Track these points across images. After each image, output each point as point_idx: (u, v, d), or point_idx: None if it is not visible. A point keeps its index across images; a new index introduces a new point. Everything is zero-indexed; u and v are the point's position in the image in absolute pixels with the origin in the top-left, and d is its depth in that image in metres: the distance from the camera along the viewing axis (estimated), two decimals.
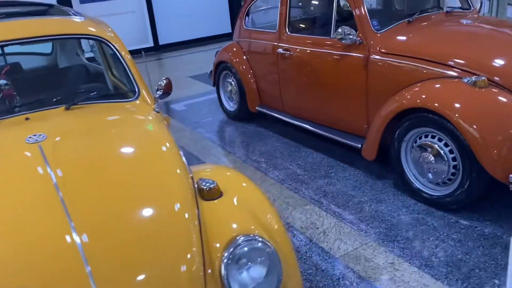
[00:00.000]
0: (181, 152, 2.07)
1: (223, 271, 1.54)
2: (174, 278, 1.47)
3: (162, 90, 2.52)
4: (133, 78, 2.35)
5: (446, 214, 2.76)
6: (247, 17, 4.51)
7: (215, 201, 1.78)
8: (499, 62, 2.72)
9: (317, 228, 2.76)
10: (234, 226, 1.71)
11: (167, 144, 1.97)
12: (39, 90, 2.32)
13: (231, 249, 1.58)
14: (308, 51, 3.64)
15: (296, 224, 2.82)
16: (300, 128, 3.96)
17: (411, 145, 2.89)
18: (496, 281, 2.19)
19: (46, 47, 3.20)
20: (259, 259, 1.61)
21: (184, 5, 9.48)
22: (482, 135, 2.42)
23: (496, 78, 2.62)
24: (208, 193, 1.77)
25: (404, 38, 3.10)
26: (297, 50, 3.75)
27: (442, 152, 2.68)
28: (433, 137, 2.73)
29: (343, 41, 3.20)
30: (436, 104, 2.60)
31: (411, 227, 2.67)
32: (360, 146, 3.26)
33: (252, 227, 1.70)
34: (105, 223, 1.50)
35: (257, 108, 4.46)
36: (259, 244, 1.63)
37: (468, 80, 2.60)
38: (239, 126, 4.69)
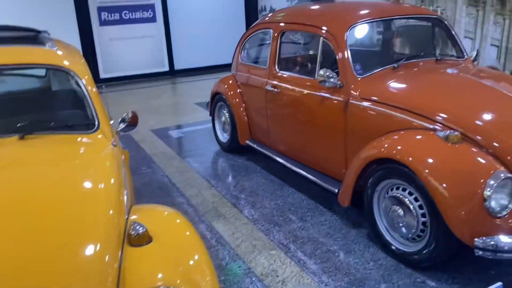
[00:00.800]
0: (126, 191, 2.05)
1: None
2: None
3: (126, 123, 2.52)
4: (95, 111, 2.35)
5: (414, 272, 2.61)
6: (243, 51, 4.53)
7: (143, 247, 1.72)
8: (477, 118, 2.60)
9: (277, 276, 2.65)
10: (158, 276, 1.65)
11: (108, 183, 1.95)
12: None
13: None
14: (293, 89, 3.61)
15: (257, 270, 2.72)
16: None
17: (383, 195, 2.77)
18: None
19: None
20: None
21: (202, 32, 9.68)
22: (449, 194, 2.30)
23: (472, 135, 2.51)
24: (135, 239, 1.72)
25: (384, 84, 3.02)
26: (284, 88, 3.72)
27: (411, 206, 2.56)
28: (404, 190, 2.62)
29: (324, 84, 3.15)
30: (405, 157, 2.50)
31: (373, 284, 2.54)
32: (336, 191, 3.16)
33: (177, 280, 1.64)
34: (11, 263, 1.47)
35: (246, 141, 4.42)
36: None
37: (442, 134, 2.49)
38: (230, 158, 4.66)
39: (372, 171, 2.78)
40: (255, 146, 4.29)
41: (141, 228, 1.75)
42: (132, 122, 2.55)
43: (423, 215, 2.51)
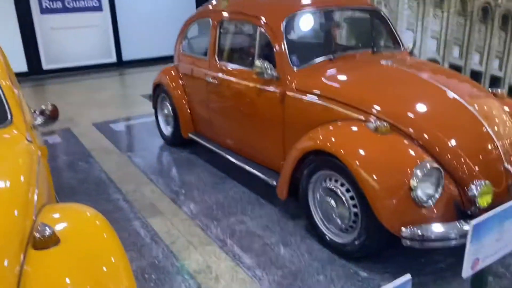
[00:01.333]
0: (37, 190, 1.90)
1: None
2: None
3: (45, 117, 2.36)
4: (7, 104, 2.18)
5: (347, 263, 2.63)
6: (184, 41, 4.41)
7: (49, 250, 1.60)
8: (408, 110, 2.63)
9: (211, 272, 2.59)
10: (65, 281, 1.54)
11: (16, 181, 1.80)
12: None
13: None
14: (233, 81, 3.54)
15: (191, 267, 2.65)
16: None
17: (318, 187, 2.77)
18: None
19: None
20: None
21: (151, 21, 9.39)
22: (378, 184, 2.31)
23: (403, 126, 2.53)
24: (39, 241, 1.60)
25: (320, 76, 3.00)
26: (224, 80, 3.64)
27: (343, 198, 2.56)
28: (336, 181, 2.62)
29: (262, 76, 3.10)
30: (335, 148, 2.49)
31: (307, 277, 2.53)
32: (275, 183, 3.13)
33: (86, 286, 1.53)
34: None
35: (189, 134, 4.32)
36: None
37: (371, 125, 2.50)
38: (173, 152, 4.54)
39: (307, 162, 2.76)
40: (198, 139, 4.20)
41: (47, 229, 1.63)
42: (53, 116, 2.39)
43: (354, 206, 2.52)
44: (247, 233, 3.00)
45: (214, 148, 3.91)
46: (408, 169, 2.30)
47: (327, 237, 2.74)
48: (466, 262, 1.50)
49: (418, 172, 2.27)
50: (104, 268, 1.64)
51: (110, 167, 4.16)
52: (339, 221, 2.63)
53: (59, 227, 1.72)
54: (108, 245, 1.77)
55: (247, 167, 3.44)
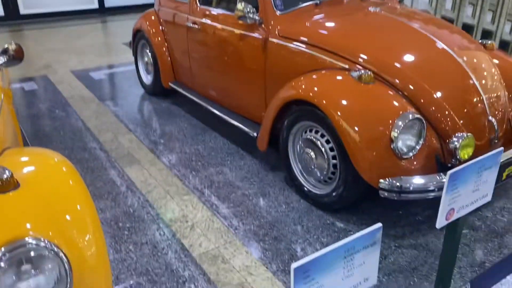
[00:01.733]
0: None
1: None
2: None
3: (9, 57, 2.20)
4: None
5: (324, 214, 2.61)
6: None
7: (7, 194, 1.52)
8: (395, 59, 2.51)
9: (187, 221, 2.55)
10: (26, 225, 1.46)
11: None
12: None
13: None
14: (214, 26, 3.36)
15: (166, 216, 2.60)
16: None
17: (298, 138, 2.69)
18: None
19: None
20: (38, 268, 1.38)
21: None
22: (358, 135, 2.24)
23: (389, 76, 2.43)
24: None
25: (304, 22, 2.86)
26: (205, 25, 3.46)
27: (323, 149, 2.50)
28: (316, 132, 2.55)
29: (243, 20, 2.94)
30: (316, 98, 2.40)
31: (283, 227, 2.50)
32: (256, 134, 3.05)
33: (48, 231, 1.45)
34: None
35: (170, 84, 4.17)
36: (44, 250, 1.38)
37: (355, 74, 2.40)
38: (153, 101, 4.40)
39: (288, 113, 2.67)
40: (178, 88, 4.05)
41: (6, 172, 1.54)
42: (17, 56, 2.23)
43: (334, 157, 2.47)
44: (226, 183, 2.95)
45: (195, 98, 3.79)
46: (390, 120, 2.22)
47: (305, 188, 2.70)
48: (441, 212, 1.46)
49: (400, 123, 2.20)
50: (68, 216, 1.56)
51: (87, 115, 4.03)
52: (318, 172, 2.58)
53: (20, 170, 1.63)
54: (74, 192, 1.68)
55: (228, 118, 3.34)
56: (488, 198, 1.70)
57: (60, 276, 1.40)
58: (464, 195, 1.51)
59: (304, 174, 2.72)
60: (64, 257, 1.41)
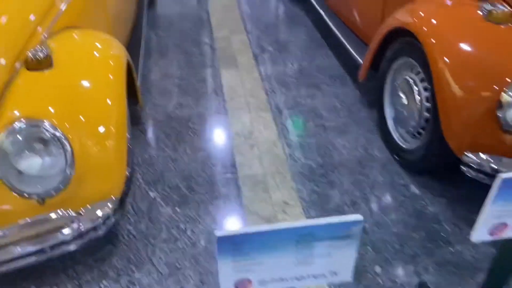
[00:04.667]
0: (63, 8, 1.83)
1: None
2: None
3: None
4: None
5: (402, 173, 2.19)
6: None
7: (38, 72, 1.57)
8: None
9: (250, 138, 2.42)
10: (40, 106, 1.47)
11: None
12: None
13: (12, 128, 1.41)
14: None
15: (234, 127, 2.50)
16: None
17: (398, 76, 2.22)
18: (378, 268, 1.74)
19: None
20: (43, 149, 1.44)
21: None
22: (456, 85, 1.71)
23: None
24: (30, 62, 1.56)
25: None
26: None
27: (417, 96, 2.01)
28: (418, 73, 2.04)
29: None
30: (416, 26, 1.88)
31: (346, 173, 2.19)
32: (361, 61, 2.62)
33: (64, 121, 1.47)
34: None
35: None
36: (57, 139, 1.42)
37: (486, 7, 1.77)
38: (284, 6, 4.11)
39: (394, 42, 2.19)
40: None
41: (42, 51, 1.58)
42: None
43: (428, 110, 1.97)
44: (310, 109, 2.67)
45: (316, 5, 3.40)
46: (508, 78, 1.62)
47: (389, 136, 2.28)
48: (481, 223, 1.03)
49: None
50: (92, 110, 1.56)
51: (215, 8, 3.98)
52: (407, 122, 2.13)
53: (65, 53, 1.67)
54: (109, 88, 1.67)
55: (338, 33, 2.94)
56: None
57: (65, 165, 1.44)
58: None
59: (395, 120, 2.28)
60: (70, 151, 1.43)
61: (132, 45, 2.77)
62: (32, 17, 1.70)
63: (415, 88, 2.03)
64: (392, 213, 1.97)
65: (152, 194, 2.05)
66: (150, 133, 2.47)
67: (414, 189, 2.10)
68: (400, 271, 1.70)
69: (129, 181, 1.86)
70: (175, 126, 2.50)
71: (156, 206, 1.99)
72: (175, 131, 2.47)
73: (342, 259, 1.00)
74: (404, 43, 2.08)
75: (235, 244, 0.92)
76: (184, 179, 2.15)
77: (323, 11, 3.32)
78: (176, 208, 1.98)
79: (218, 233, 0.90)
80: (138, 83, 2.20)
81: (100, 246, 1.79)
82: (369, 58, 2.40)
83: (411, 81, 2.05)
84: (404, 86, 2.12)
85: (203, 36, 3.54)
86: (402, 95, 2.12)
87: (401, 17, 2.06)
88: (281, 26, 3.72)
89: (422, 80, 2.00)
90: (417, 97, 2.01)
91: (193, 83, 2.92)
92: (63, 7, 1.86)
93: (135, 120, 2.49)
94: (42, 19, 1.73)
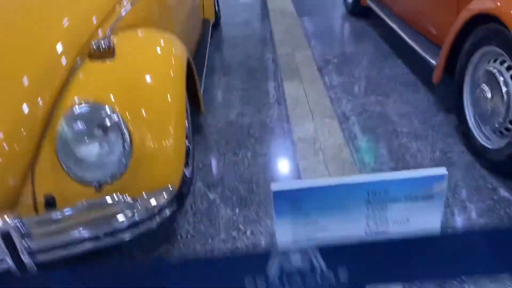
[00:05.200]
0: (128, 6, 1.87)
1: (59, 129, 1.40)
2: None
3: None
4: None
5: (488, 176, 1.93)
6: None
7: (102, 61, 1.58)
8: None
9: (314, 144, 2.28)
10: (110, 96, 1.49)
11: None
12: None
13: (72, 112, 1.41)
14: None
15: (297, 134, 2.38)
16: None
17: (478, 69, 2.00)
18: None
19: None
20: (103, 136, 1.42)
21: None
22: None
23: None
24: (93, 52, 1.59)
25: None
26: None
27: (503, 88, 1.78)
28: (503, 62, 1.82)
29: None
30: (505, 11, 1.67)
31: None
32: (435, 63, 2.43)
33: (125, 109, 1.46)
34: None
35: (367, 1, 3.71)
36: (116, 126, 1.41)
37: None
38: (349, 21, 4.05)
39: (472, 33, 1.99)
40: (373, 6, 3.57)
41: (105, 42, 1.60)
42: None
43: None
44: (380, 115, 2.50)
45: (384, 17, 3.26)
46: None
47: (475, 136, 2.03)
48: None
49: None
50: (153, 103, 1.55)
51: (278, 28, 3.98)
52: (491, 118, 1.89)
53: (125, 45, 1.68)
54: (169, 84, 1.65)
55: (407, 39, 2.77)
56: None
57: (123, 153, 1.42)
58: None
59: (477, 119, 2.04)
60: (128, 139, 1.41)
61: (196, 62, 2.80)
62: (94, 19, 1.75)
63: (501, 78, 1.80)
64: (480, 219, 1.71)
65: (211, 196, 1.97)
66: (211, 140, 2.43)
67: (503, 192, 1.83)
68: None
69: (189, 181, 1.81)
70: (236, 133, 2.44)
71: (216, 207, 1.90)
72: (236, 137, 2.41)
73: (422, 226, 0.83)
74: (486, 31, 1.88)
75: (293, 201, 0.79)
76: (244, 182, 2.05)
77: (390, 20, 3.18)
78: (236, 209, 1.87)
79: (275, 186, 0.78)
80: (200, 93, 2.20)
81: (157, 245, 1.72)
82: (445, 53, 2.20)
83: (495, 71, 1.83)
84: (487, 78, 1.90)
85: (267, 52, 3.53)
86: (485, 88, 1.89)
87: (482, 3, 1.87)
88: (346, 41, 3.63)
89: (508, 68, 1.78)
90: (504, 88, 1.78)
91: (255, 94, 2.87)
92: (126, 9, 1.89)
93: (197, 127, 2.47)
94: (104, 20, 1.77)
